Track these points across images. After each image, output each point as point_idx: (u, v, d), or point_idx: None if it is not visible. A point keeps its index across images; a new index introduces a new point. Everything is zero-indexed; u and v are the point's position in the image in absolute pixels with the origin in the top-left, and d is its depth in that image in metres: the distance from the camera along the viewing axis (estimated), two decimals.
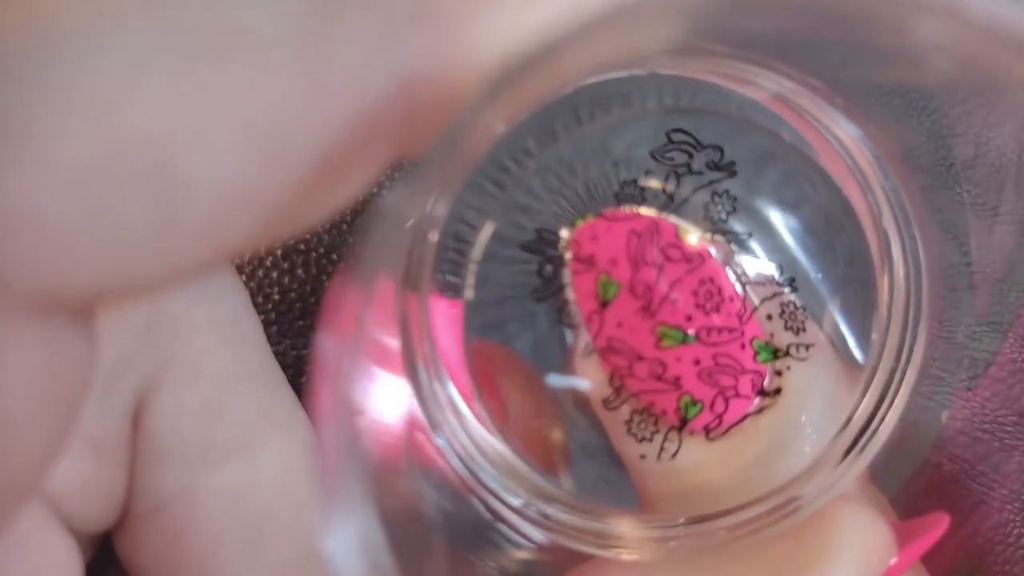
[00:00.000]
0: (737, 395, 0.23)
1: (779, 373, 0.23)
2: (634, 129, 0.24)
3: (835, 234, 0.25)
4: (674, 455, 0.23)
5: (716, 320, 0.23)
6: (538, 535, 0.25)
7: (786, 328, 0.24)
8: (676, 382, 0.23)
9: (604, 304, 0.23)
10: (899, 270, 0.25)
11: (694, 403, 0.23)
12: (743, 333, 0.23)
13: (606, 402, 0.24)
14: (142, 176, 0.15)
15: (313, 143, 0.16)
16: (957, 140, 0.21)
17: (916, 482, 0.24)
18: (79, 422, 0.18)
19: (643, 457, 0.24)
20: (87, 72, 0.15)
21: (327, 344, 0.15)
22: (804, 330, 0.24)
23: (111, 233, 0.16)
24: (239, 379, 0.24)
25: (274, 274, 0.29)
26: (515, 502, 0.25)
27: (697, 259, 0.23)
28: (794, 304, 0.24)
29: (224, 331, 0.24)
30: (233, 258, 0.22)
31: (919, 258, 0.25)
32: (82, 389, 0.18)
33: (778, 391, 0.23)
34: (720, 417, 0.23)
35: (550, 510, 0.25)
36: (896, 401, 0.25)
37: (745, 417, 0.23)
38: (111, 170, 0.15)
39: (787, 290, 0.24)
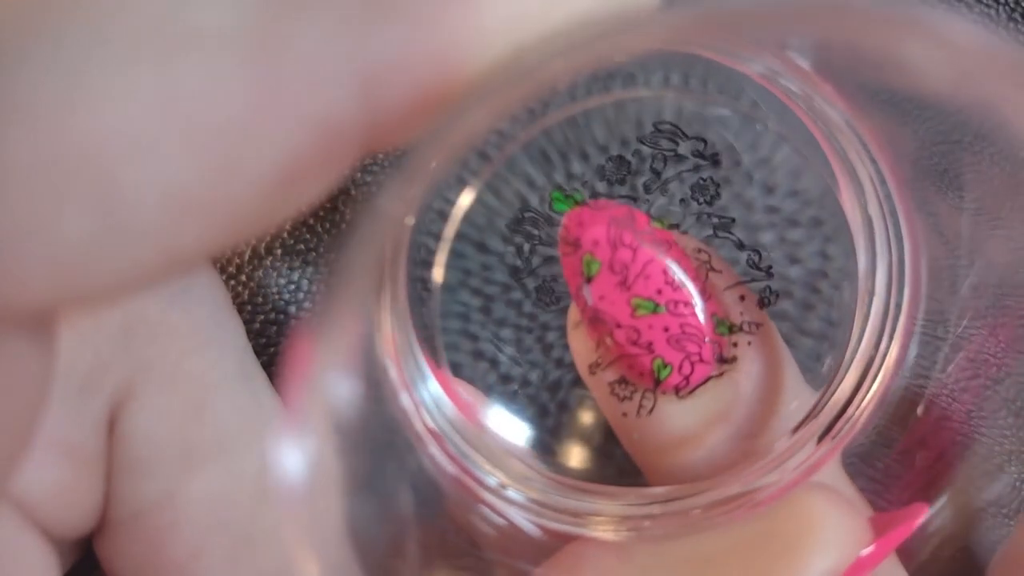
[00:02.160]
0: (701, 360, 0.25)
1: (735, 344, 0.25)
2: (625, 110, 0.25)
3: (819, 223, 0.26)
4: (651, 411, 0.25)
5: (682, 295, 0.25)
6: (516, 515, 0.24)
7: (746, 308, 0.26)
8: (649, 347, 0.25)
9: (589, 280, 0.25)
10: (882, 258, 0.25)
11: (665, 366, 0.25)
12: (705, 308, 0.25)
13: (592, 367, 0.26)
14: (84, 188, 0.14)
15: (269, 148, 0.15)
16: (952, 147, 0.20)
17: (907, 482, 0.24)
18: (37, 432, 0.17)
19: (625, 415, 0.26)
20: (23, 82, 0.14)
21: (302, 341, 0.15)
22: (760, 311, 0.26)
23: (55, 246, 0.15)
24: (218, 383, 0.23)
25: (274, 274, 0.28)
26: (491, 482, 0.25)
27: (666, 244, 0.25)
28: (769, 288, 0.26)
29: (202, 335, 0.23)
30: (192, 265, 0.21)
31: (903, 248, 0.24)
32: (37, 400, 0.17)
33: (734, 359, 0.25)
34: (687, 378, 0.25)
35: (526, 489, 0.25)
36: (873, 389, 0.25)
37: (708, 379, 0.25)
38: (52, 182, 0.14)
39: (761, 276, 0.26)
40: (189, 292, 0.24)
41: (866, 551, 0.22)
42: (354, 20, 0.15)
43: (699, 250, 0.25)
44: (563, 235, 0.25)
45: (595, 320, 0.25)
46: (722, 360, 0.25)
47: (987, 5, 0.29)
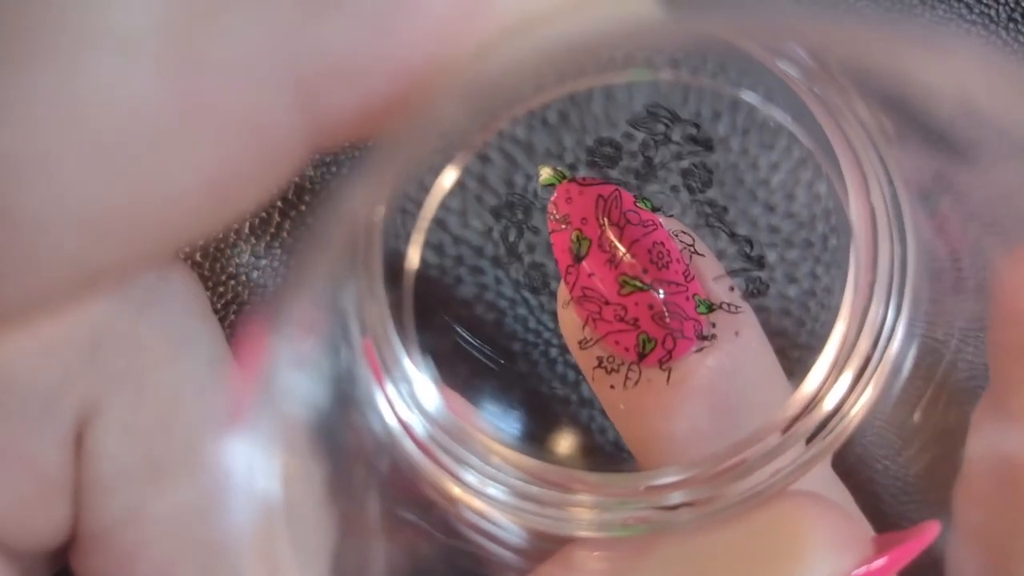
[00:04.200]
0: (683, 336, 0.25)
1: (715, 324, 0.26)
2: (617, 92, 0.25)
3: (816, 213, 0.26)
4: (636, 382, 0.26)
5: (666, 275, 0.25)
6: (497, 516, 0.24)
7: (731, 295, 0.26)
8: (635, 323, 0.25)
9: (578, 259, 0.25)
10: (883, 255, 0.24)
11: (649, 340, 0.25)
12: (687, 288, 0.25)
13: (581, 343, 0.26)
14: None
15: (195, 156, 0.13)
16: (958, 152, 0.20)
17: (908, 491, 0.24)
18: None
19: (612, 387, 0.26)
20: None
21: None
22: (741, 298, 0.26)
23: None
24: (190, 395, 0.22)
25: (270, 275, 0.27)
26: (471, 480, 0.24)
27: (651, 224, 0.25)
28: (759, 279, 0.26)
29: (172, 347, 0.22)
30: (130, 272, 0.19)
31: (905, 246, 0.24)
32: None
33: (713, 336, 0.26)
34: (670, 352, 0.25)
35: (508, 485, 0.24)
36: (868, 391, 0.24)
37: (689, 354, 0.26)
38: None
39: (752, 266, 0.26)
40: (160, 303, 0.22)
41: (874, 566, 0.21)
42: (286, 20, 0.13)
43: (683, 232, 0.25)
44: (551, 211, 0.25)
45: (583, 298, 0.25)
46: (702, 337, 0.25)
47: (987, 5, 0.29)
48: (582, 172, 0.25)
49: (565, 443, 0.27)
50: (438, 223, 0.25)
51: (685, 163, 0.25)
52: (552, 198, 0.25)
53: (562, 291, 0.26)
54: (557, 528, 0.24)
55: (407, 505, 0.23)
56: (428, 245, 0.25)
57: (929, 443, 0.23)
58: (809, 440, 0.25)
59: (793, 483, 0.24)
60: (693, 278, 0.25)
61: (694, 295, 0.25)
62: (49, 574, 0.23)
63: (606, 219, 0.25)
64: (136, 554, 0.21)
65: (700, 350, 0.25)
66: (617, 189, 0.25)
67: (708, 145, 0.25)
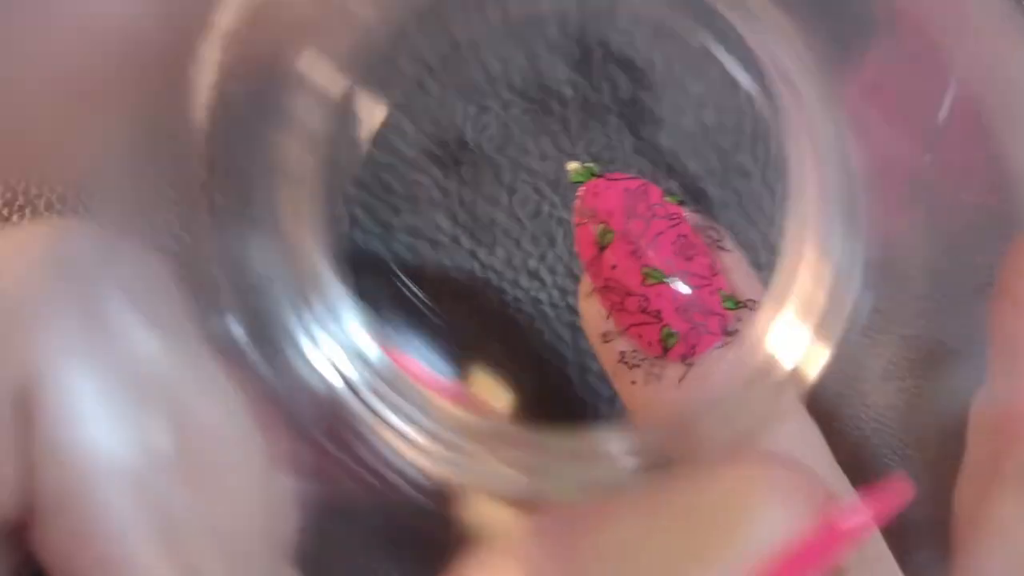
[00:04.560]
0: (707, 331, 0.25)
1: (740, 319, 0.25)
2: (546, 28, 0.26)
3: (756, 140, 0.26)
4: (659, 378, 0.25)
5: (691, 267, 0.25)
6: (437, 472, 0.23)
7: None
8: (658, 315, 0.25)
9: (602, 249, 0.25)
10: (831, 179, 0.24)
11: (672, 334, 0.25)
12: (712, 283, 0.25)
13: (604, 335, 0.26)
14: None
15: (48, 65, 0.14)
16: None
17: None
18: None
19: (634, 383, 0.25)
20: None
21: None
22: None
23: None
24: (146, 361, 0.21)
25: None
26: (409, 431, 0.24)
27: (676, 217, 0.25)
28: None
29: (122, 314, 0.21)
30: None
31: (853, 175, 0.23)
32: None
33: (737, 331, 0.25)
34: (693, 347, 0.25)
35: (447, 441, 0.24)
36: (825, 343, 0.24)
37: (713, 349, 0.25)
38: None
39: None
40: (110, 272, 0.21)
41: (840, 523, 0.19)
42: None
43: (711, 228, 0.25)
44: (579, 207, 0.25)
45: (606, 289, 0.25)
46: (727, 333, 0.25)
47: None
48: (515, 112, 0.26)
49: (513, 399, 0.27)
50: (370, 162, 0.25)
51: (623, 105, 0.25)
52: (579, 192, 0.25)
53: (584, 282, 0.25)
54: (502, 488, 0.24)
55: (339, 451, 0.22)
56: (360, 188, 0.25)
57: (893, 399, 0.23)
58: (767, 397, 0.25)
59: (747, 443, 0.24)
60: (718, 272, 0.25)
61: (719, 290, 0.25)
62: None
63: (631, 211, 0.25)
64: (88, 530, 0.21)
65: (724, 345, 0.25)
66: (644, 183, 0.25)
67: (644, 83, 0.25)
